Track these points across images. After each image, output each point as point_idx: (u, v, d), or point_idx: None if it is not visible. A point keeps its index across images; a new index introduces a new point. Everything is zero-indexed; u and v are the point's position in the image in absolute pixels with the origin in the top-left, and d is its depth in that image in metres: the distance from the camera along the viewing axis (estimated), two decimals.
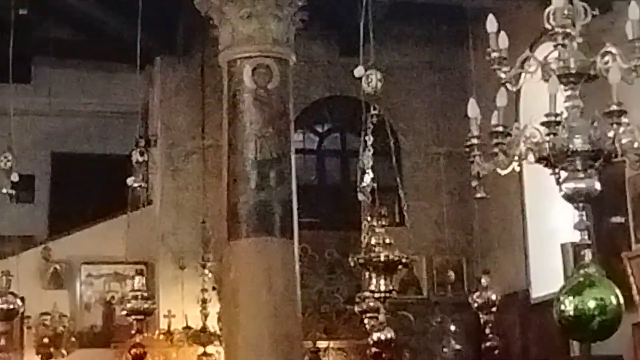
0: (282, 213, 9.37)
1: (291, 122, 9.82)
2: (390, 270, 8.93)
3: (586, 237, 4.78)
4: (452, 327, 14.07)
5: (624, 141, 4.53)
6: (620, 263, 10.00)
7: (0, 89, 13.53)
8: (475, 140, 4.92)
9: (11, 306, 10.71)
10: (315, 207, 11.83)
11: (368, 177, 8.72)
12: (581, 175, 4.44)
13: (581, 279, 4.73)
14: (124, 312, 12.74)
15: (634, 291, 9.83)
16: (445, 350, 14.19)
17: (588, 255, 4.76)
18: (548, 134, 4.51)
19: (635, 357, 10.08)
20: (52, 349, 14.09)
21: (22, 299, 11.18)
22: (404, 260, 9.21)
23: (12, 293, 10.71)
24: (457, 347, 14.02)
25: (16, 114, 11.86)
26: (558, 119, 4.49)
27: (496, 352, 12.21)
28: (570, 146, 4.43)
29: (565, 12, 4.64)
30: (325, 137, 15.07)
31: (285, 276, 9.36)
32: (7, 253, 13.24)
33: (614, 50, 4.64)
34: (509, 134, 4.73)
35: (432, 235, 14.65)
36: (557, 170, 4.52)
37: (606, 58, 4.59)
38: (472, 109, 5.00)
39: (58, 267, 14.58)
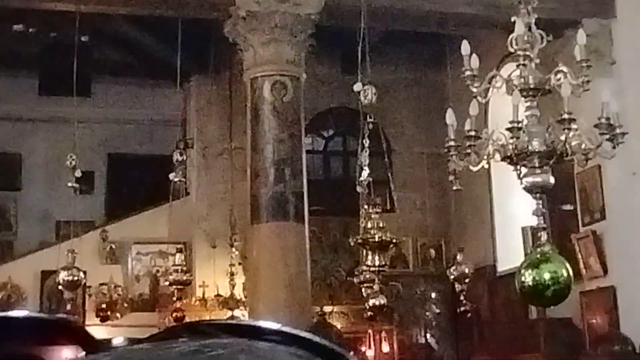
0: (295, 202, 9.39)
1: (302, 128, 9.80)
2: (383, 249, 8.96)
3: (542, 221, 4.80)
4: (433, 295, 14.08)
5: (573, 143, 4.55)
6: (570, 243, 9.97)
7: (66, 102, 13.56)
8: (452, 143, 4.95)
9: (75, 278, 10.78)
10: (321, 198, 11.73)
11: (365, 173, 8.74)
12: (538, 171, 4.47)
13: (538, 256, 4.75)
14: (167, 283, 12.79)
15: (581, 265, 9.80)
16: (427, 313, 14.19)
17: (544, 236, 4.78)
18: (511, 137, 4.54)
19: (583, 319, 10.06)
20: (108, 313, 14.15)
21: (84, 272, 11.25)
22: (394, 241, 9.24)
23: (76, 267, 10.78)
24: (437, 311, 14.04)
25: (79, 122, 11.90)
26: (519, 125, 4.52)
27: (468, 315, 12.22)
28: (529, 147, 4.45)
29: (525, 38, 4.64)
30: (330, 141, 15.07)
31: (297, 253, 9.38)
32: (72, 235, 13.32)
33: (565, 69, 4.65)
34: (479, 138, 4.75)
35: (417, 220, 14.63)
36: (518, 167, 4.55)
37: (559, 76, 4.61)
38: (450, 117, 5.04)
39: (113, 246, 14.61)
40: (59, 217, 15.57)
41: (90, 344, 1.38)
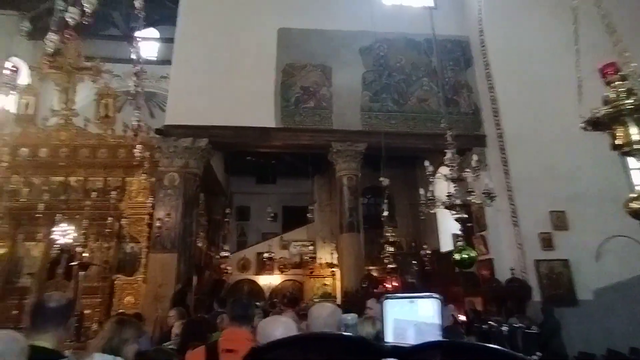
0: (356, 224, 9.15)
1: (359, 194, 9.69)
2: (393, 244, 8.77)
3: (460, 232, 4.62)
4: (414, 262, 13.59)
5: (473, 201, 4.40)
6: (471, 240, 9.49)
7: (266, 186, 13.97)
8: (422, 200, 4.85)
9: (271, 255, 10.94)
10: (367, 222, 11.49)
11: (385, 212, 8.62)
12: (459, 212, 4.33)
13: (460, 246, 4.56)
14: (307, 257, 12.84)
15: (477, 250, 9.31)
16: (412, 269, 13.65)
17: (461, 238, 4.60)
18: (448, 198, 4.42)
19: (479, 272, 9.46)
20: (282, 269, 14.12)
21: (273, 253, 11.32)
22: (397, 240, 9.04)
23: (271, 251, 10.89)
24: (416, 268, 13.49)
25: (272, 194, 12.18)
26: (450, 194, 4.40)
27: (428, 269, 11.79)
28: (455, 202, 4.32)
29: (451, 157, 4.56)
30: (370, 198, 14.88)
31: (358, 246, 9.12)
32: (268, 239, 13.54)
33: (468, 170, 4.54)
34: (434, 198, 4.64)
35: (407, 230, 14.27)
36: (451, 211, 4.41)
37: (466, 173, 4.50)
38: (420, 191, 4.94)
39: (285, 243, 14.59)
40: (264, 231, 15.83)
41: None
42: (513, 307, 7.77)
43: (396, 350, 0.39)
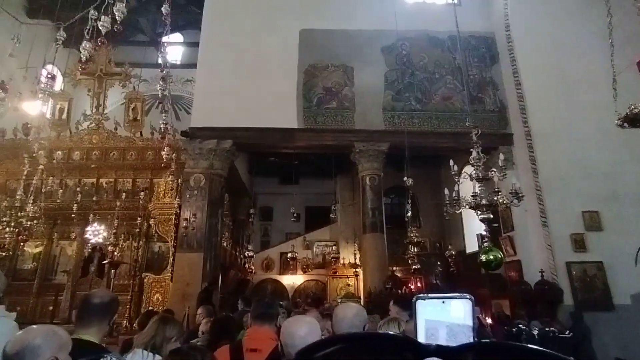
0: (379, 224, 9.09)
1: (382, 194, 9.60)
2: (417, 244, 8.64)
3: (486, 232, 4.52)
4: (439, 263, 13.36)
5: (499, 201, 4.30)
6: (498, 241, 9.26)
7: (289, 187, 14.01)
8: (447, 200, 4.77)
9: (294, 255, 10.97)
10: (390, 222, 11.37)
11: (408, 212, 8.51)
12: (485, 212, 4.23)
13: (486, 247, 4.46)
14: (329, 257, 12.81)
15: (505, 251, 9.07)
16: (436, 270, 13.44)
17: (487, 239, 4.49)
18: (473, 198, 4.33)
19: (506, 274, 9.21)
20: (305, 269, 14.12)
21: (296, 253, 11.34)
22: (421, 240, 8.90)
23: (294, 251, 10.90)
24: (440, 269, 13.26)
25: (295, 194, 12.21)
26: (476, 194, 4.31)
27: (454, 271, 11.57)
28: (481, 202, 4.23)
29: (476, 156, 4.47)
30: (393, 198, 14.75)
31: (382, 246, 9.05)
32: (291, 239, 13.58)
33: (494, 169, 4.43)
34: (458, 198, 4.55)
35: (431, 230, 14.03)
36: (477, 211, 4.32)
37: (492, 172, 4.39)
38: (445, 191, 4.86)
39: (308, 243, 14.55)
40: (287, 231, 15.91)
41: None
42: (543, 310, 7.53)
43: (440, 349, 0.39)
